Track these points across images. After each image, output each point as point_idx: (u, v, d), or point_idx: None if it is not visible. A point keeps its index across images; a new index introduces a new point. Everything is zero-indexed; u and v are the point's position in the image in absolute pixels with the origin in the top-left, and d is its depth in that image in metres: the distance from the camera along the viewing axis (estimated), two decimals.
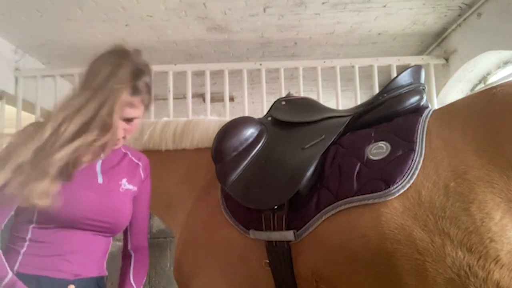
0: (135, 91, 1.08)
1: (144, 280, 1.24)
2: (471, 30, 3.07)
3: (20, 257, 1.03)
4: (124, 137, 1.14)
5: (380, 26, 3.30)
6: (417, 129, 1.01)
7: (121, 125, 1.08)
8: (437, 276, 0.84)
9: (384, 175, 0.95)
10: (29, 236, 1.04)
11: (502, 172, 0.85)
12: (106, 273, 1.21)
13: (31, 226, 1.05)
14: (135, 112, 1.11)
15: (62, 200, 1.00)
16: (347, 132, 1.19)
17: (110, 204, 1.13)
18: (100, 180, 1.13)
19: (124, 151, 1.27)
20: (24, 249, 1.04)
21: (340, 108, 2.79)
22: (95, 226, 1.11)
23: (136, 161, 1.27)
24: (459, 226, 0.84)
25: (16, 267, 1.01)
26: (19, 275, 0.99)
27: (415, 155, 0.95)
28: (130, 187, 1.20)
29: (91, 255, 1.13)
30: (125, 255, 1.26)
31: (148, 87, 1.12)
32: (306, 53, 3.84)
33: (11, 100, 3.33)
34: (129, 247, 1.25)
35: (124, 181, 1.18)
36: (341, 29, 3.34)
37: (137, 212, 1.25)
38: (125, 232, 1.26)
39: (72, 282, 1.06)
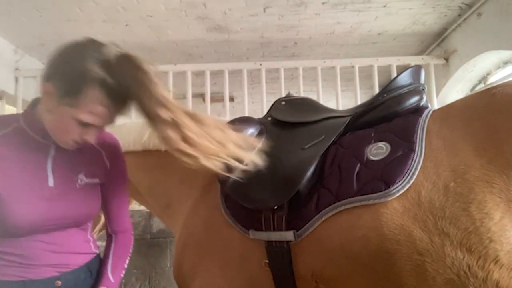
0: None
1: (125, 264, 1.18)
2: (471, 30, 3.07)
3: None
4: (80, 144, 1.02)
5: (380, 26, 3.30)
6: (417, 129, 1.01)
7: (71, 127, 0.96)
8: (437, 277, 0.84)
9: (384, 176, 0.95)
10: None
11: (501, 172, 0.85)
12: (97, 251, 1.18)
13: None
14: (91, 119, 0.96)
15: (9, 211, 0.95)
16: (347, 132, 1.19)
17: (65, 205, 1.04)
18: (50, 182, 1.03)
19: None
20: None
21: (340, 108, 2.79)
22: (58, 225, 1.04)
23: (98, 147, 1.16)
24: (458, 226, 0.84)
25: None
26: (2, 283, 0.96)
27: (415, 155, 0.95)
28: (89, 180, 1.10)
29: (71, 247, 1.07)
30: (108, 235, 1.22)
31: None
32: (306, 53, 3.85)
33: (11, 100, 3.33)
34: (109, 230, 1.22)
35: (81, 175, 1.09)
36: (341, 29, 3.34)
37: (110, 200, 1.18)
38: (104, 216, 1.22)
39: (59, 278, 1.02)
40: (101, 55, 0.95)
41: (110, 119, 1.01)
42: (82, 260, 1.10)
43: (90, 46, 0.98)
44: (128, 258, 1.21)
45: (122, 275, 1.17)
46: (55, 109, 0.96)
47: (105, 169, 1.18)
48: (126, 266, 1.19)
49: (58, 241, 1.05)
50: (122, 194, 1.24)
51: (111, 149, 1.21)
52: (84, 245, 1.13)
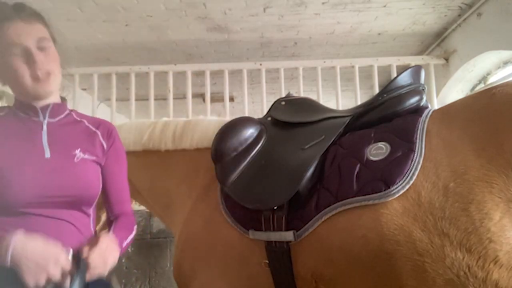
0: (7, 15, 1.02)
1: (128, 239, 1.15)
2: (471, 30, 3.07)
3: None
4: (39, 71, 1.03)
5: (380, 26, 3.30)
6: (417, 130, 1.01)
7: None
8: (437, 277, 0.84)
9: (384, 176, 0.95)
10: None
11: (501, 172, 0.85)
12: None
13: None
14: (23, 35, 1.01)
15: (8, 183, 0.95)
16: (347, 132, 1.19)
17: (64, 177, 1.04)
18: (47, 154, 1.05)
19: (78, 118, 1.19)
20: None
21: (340, 108, 2.79)
22: (55, 203, 1.01)
23: (93, 128, 1.19)
24: (458, 227, 0.84)
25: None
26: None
27: (415, 156, 0.95)
28: (87, 156, 1.11)
29: (70, 236, 1.03)
30: (109, 222, 1.19)
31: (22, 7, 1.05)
32: (306, 53, 3.85)
33: (11, 100, 3.32)
34: (110, 217, 1.20)
35: (78, 151, 1.10)
36: (341, 29, 3.34)
37: (109, 182, 1.18)
38: (104, 202, 1.20)
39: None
40: None
41: (26, 28, 1.04)
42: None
43: None
44: (131, 238, 1.17)
45: (124, 246, 1.12)
46: None
47: (102, 149, 1.18)
48: (128, 242, 1.16)
49: (56, 226, 1.01)
50: (121, 176, 1.24)
51: (106, 130, 1.22)
52: (87, 236, 1.09)
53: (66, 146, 1.09)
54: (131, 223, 1.20)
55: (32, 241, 0.90)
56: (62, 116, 1.14)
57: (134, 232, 1.19)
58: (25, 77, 1.03)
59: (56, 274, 0.89)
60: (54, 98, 1.12)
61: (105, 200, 1.20)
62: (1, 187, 0.96)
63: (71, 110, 1.19)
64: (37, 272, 0.87)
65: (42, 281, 0.87)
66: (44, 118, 1.10)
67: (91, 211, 1.14)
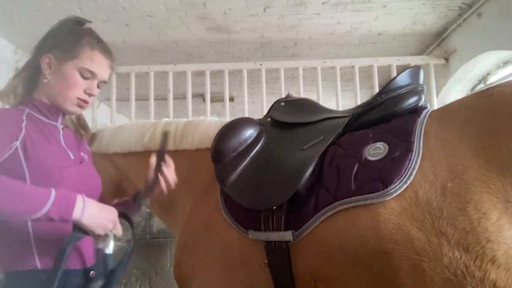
0: (92, 44, 1.13)
1: None
2: (471, 30, 3.07)
3: (36, 255, 1.01)
4: (86, 101, 1.14)
5: (380, 26, 3.30)
6: (415, 130, 1.02)
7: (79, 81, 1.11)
8: (434, 276, 0.84)
9: (381, 176, 0.95)
10: (30, 230, 1.01)
11: (499, 172, 0.85)
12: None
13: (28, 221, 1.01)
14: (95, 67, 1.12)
15: (52, 181, 1.01)
16: (345, 132, 1.19)
17: (87, 173, 1.17)
18: (71, 156, 1.14)
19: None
20: (34, 246, 1.01)
21: (340, 108, 2.80)
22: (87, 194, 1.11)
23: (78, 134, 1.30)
24: (456, 226, 0.84)
25: (38, 265, 1.00)
26: (43, 272, 0.99)
27: (413, 156, 0.95)
28: (87, 158, 1.24)
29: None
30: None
31: (103, 45, 1.17)
32: (306, 53, 3.85)
33: None
34: None
35: (83, 153, 1.22)
36: (341, 29, 3.35)
37: None
38: None
39: (92, 269, 1.09)
40: (80, 21, 1.22)
41: (107, 68, 1.17)
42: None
43: (70, 18, 1.23)
44: None
45: None
46: (59, 69, 1.10)
47: (88, 152, 1.28)
48: None
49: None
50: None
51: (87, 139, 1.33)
52: None
53: (77, 149, 1.19)
54: None
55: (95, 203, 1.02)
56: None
57: None
58: (74, 94, 1.11)
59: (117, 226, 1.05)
60: None
61: None
62: (52, 180, 1.02)
63: None
64: (106, 225, 1.01)
65: (109, 230, 1.02)
66: (59, 122, 1.16)
67: None
